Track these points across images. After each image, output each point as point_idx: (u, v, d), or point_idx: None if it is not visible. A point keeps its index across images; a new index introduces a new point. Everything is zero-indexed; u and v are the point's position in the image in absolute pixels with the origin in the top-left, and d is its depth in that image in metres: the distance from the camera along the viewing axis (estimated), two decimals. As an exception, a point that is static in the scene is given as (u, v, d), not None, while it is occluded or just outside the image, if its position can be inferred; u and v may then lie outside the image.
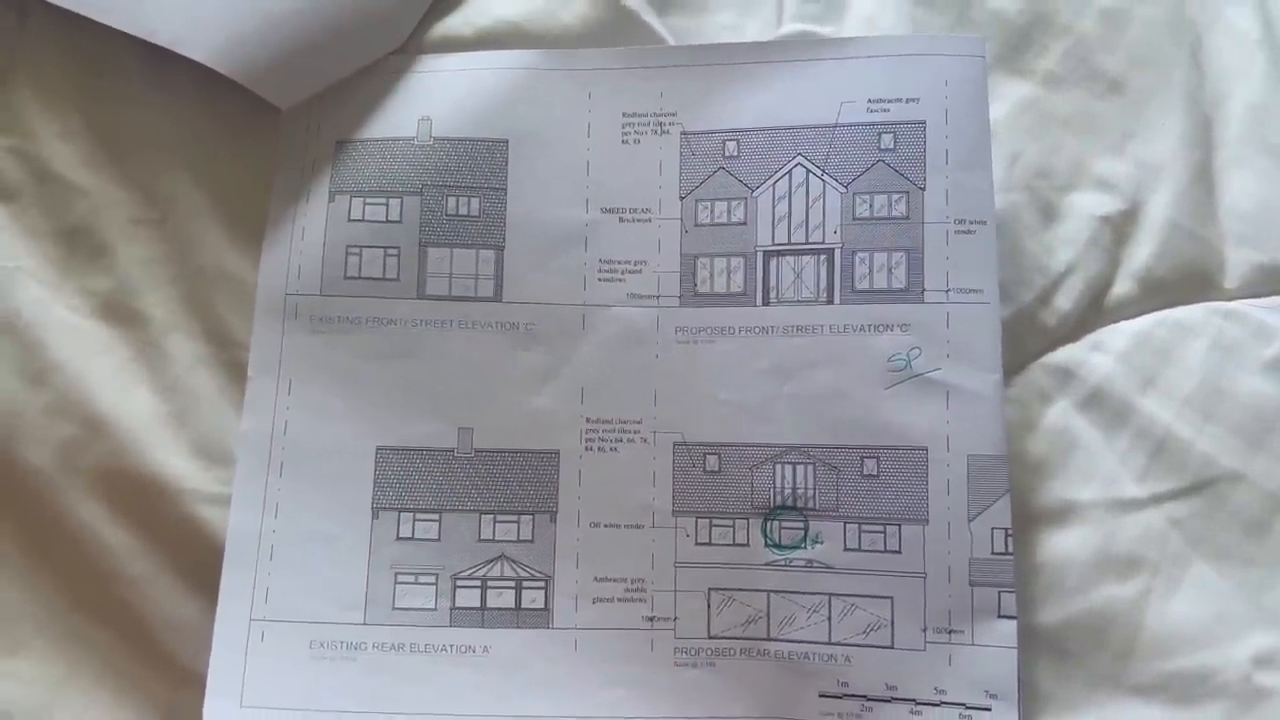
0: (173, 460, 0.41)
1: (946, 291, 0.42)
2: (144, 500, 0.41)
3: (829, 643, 0.40)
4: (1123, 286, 0.45)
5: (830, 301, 0.43)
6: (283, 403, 0.42)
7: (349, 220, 0.44)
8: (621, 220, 0.44)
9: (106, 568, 0.41)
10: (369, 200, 0.44)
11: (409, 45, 0.46)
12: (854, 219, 0.43)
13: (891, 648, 0.40)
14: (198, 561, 0.41)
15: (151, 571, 0.41)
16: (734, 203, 0.44)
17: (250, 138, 0.45)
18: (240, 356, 0.43)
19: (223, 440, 0.42)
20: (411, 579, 0.41)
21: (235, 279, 0.43)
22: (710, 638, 0.41)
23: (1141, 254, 0.45)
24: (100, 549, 0.41)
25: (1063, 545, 0.42)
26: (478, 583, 0.41)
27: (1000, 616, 0.40)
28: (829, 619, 0.41)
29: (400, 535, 0.42)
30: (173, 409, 0.42)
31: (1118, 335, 0.44)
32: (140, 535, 0.41)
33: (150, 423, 0.41)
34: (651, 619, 0.41)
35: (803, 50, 0.45)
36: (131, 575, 0.41)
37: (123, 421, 0.41)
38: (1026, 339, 0.44)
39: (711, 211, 0.44)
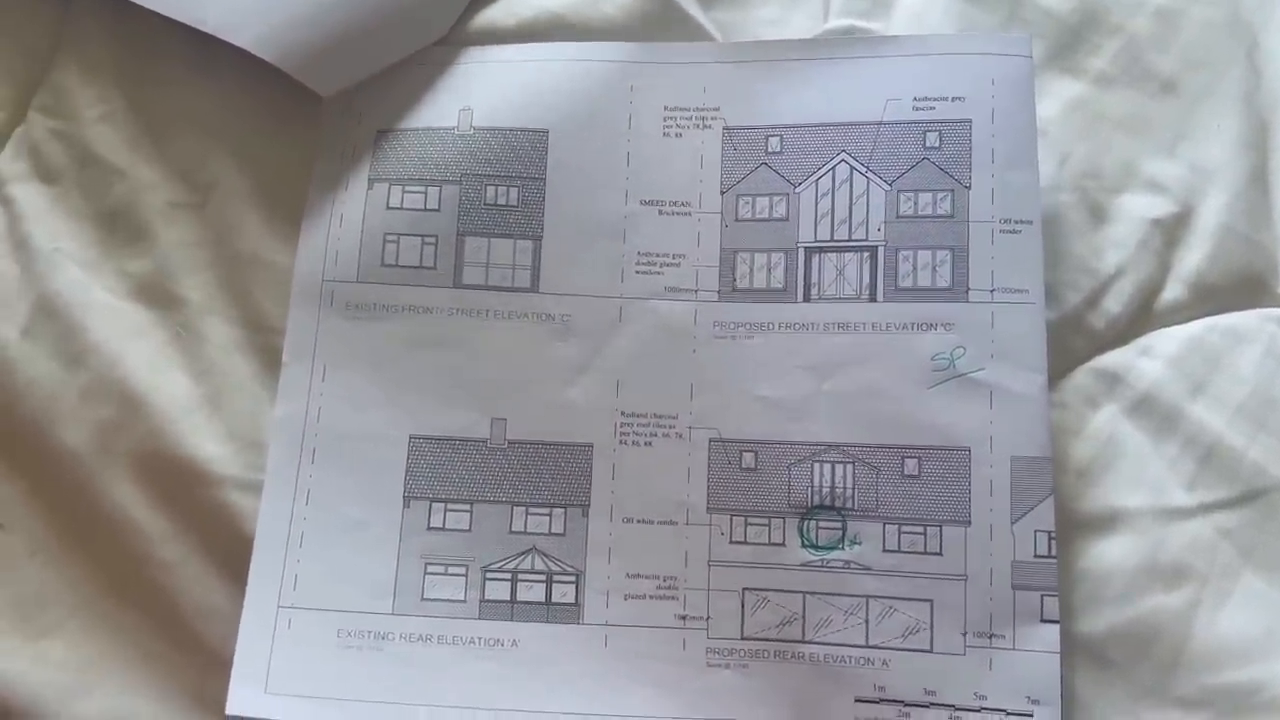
0: (207, 445, 0.41)
1: (991, 291, 0.41)
2: (178, 484, 0.41)
3: (866, 646, 0.40)
4: (1173, 291, 0.44)
5: (873, 299, 0.42)
6: (316, 389, 0.42)
7: (387, 208, 0.44)
8: (661, 213, 0.44)
9: (139, 551, 0.41)
10: (408, 188, 0.44)
11: (451, 36, 0.46)
12: (898, 216, 0.42)
13: (930, 651, 0.39)
14: (229, 547, 0.41)
15: (183, 556, 0.41)
16: (776, 198, 0.43)
17: (292, 125, 0.45)
18: (276, 342, 0.43)
19: (256, 425, 0.42)
20: (441, 569, 0.41)
21: (273, 264, 0.43)
22: (744, 639, 0.40)
23: (1193, 258, 0.44)
24: (134, 532, 0.41)
25: (1108, 553, 0.41)
26: (508, 575, 0.41)
27: (1043, 621, 0.39)
28: (866, 621, 0.40)
29: (431, 525, 0.41)
30: (208, 392, 0.42)
31: (1167, 340, 0.43)
32: (173, 519, 0.41)
33: (186, 406, 0.41)
34: (684, 618, 0.40)
35: (847, 48, 0.44)
36: (163, 559, 0.40)
37: (159, 404, 0.41)
38: (1074, 342, 0.43)
39: (753, 206, 0.44)
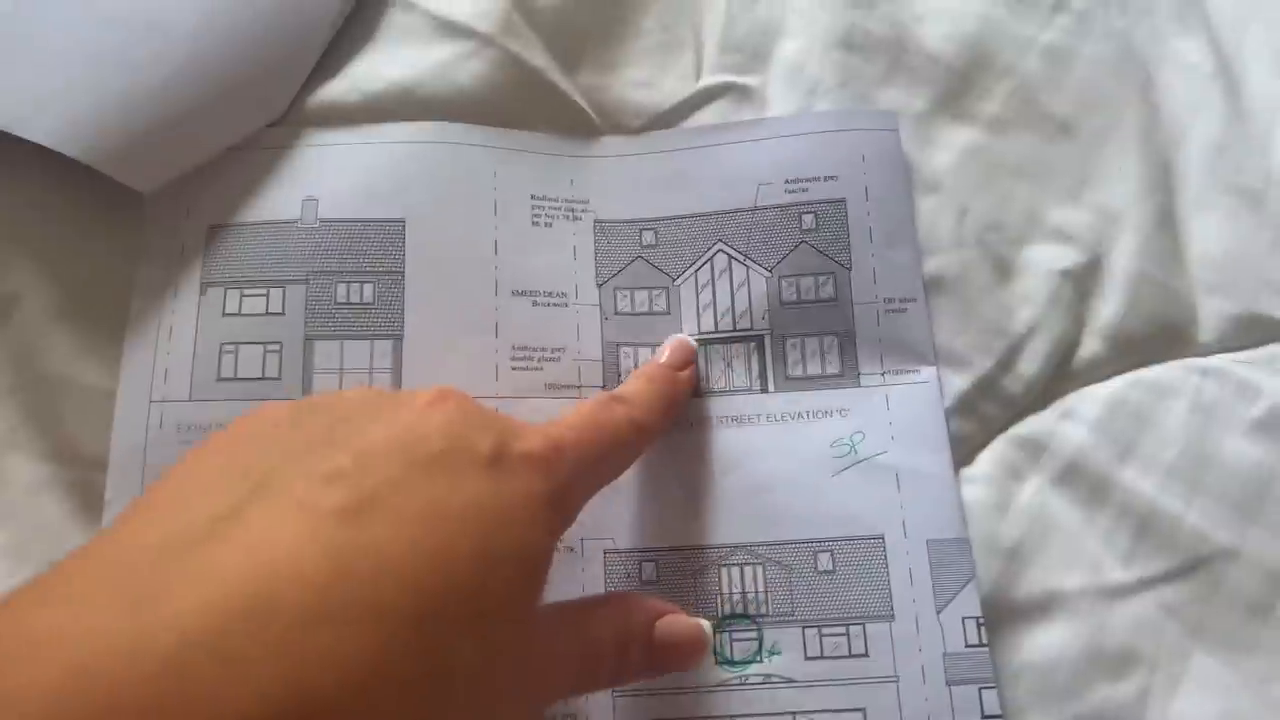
0: None
1: (883, 374, 0.40)
2: None
3: None
4: (1090, 346, 0.41)
5: (765, 390, 0.40)
6: None
7: (224, 314, 0.39)
8: (535, 304, 0.40)
9: None
10: (247, 291, 0.39)
11: (288, 117, 0.42)
12: (781, 304, 0.41)
13: None
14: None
15: None
16: (655, 291, 0.41)
17: (107, 226, 0.40)
18: (93, 478, 0.37)
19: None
20: None
21: (89, 388, 0.38)
22: (658, 779, 0.36)
23: (1108, 309, 0.41)
24: None
25: (1048, 642, 0.37)
26: None
27: (985, 717, 0.35)
28: (795, 743, 0.36)
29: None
30: (9, 540, 0.36)
31: (1089, 401, 0.40)
32: None
33: None
34: (588, 760, 0.36)
35: (715, 135, 0.43)
36: None
37: None
38: (989, 410, 0.40)
39: (632, 300, 0.41)
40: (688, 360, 0.39)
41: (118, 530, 0.24)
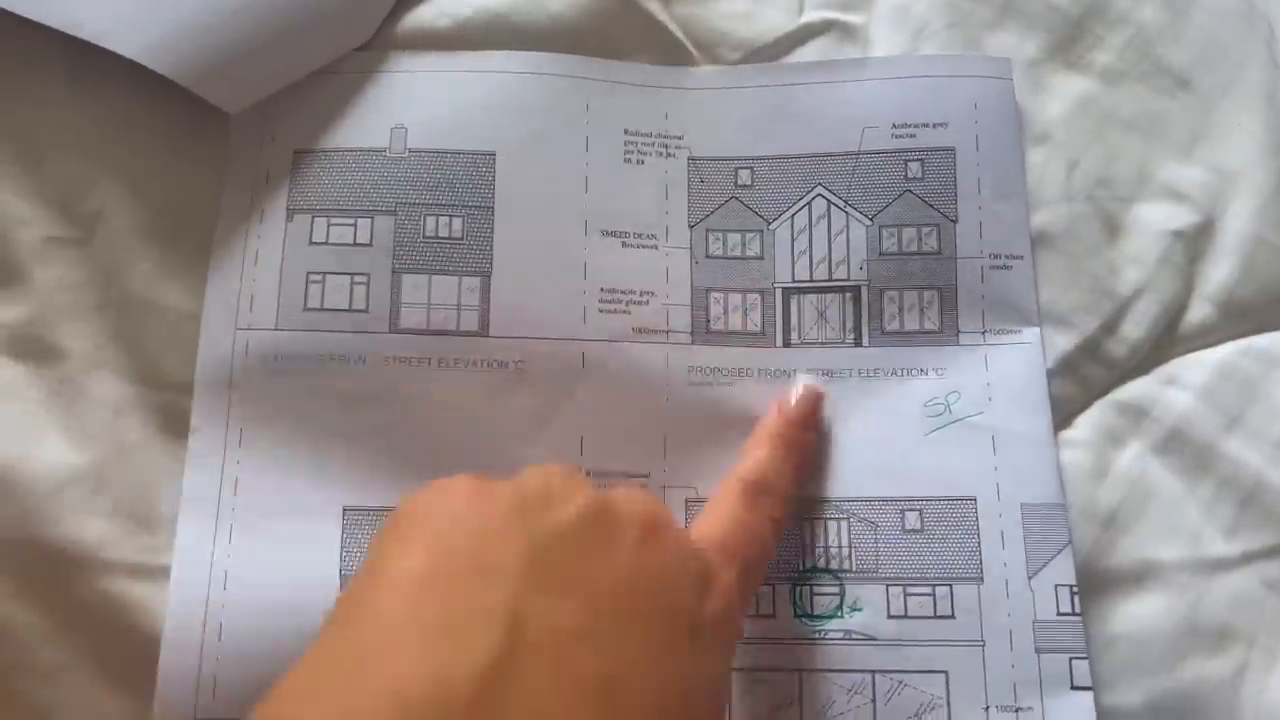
0: (91, 524, 0.35)
1: (983, 333, 0.38)
2: (55, 573, 0.34)
3: None
4: (1200, 311, 0.39)
5: (858, 344, 0.39)
6: (232, 456, 0.36)
7: (310, 243, 0.38)
8: (625, 245, 0.39)
9: (9, 657, 0.34)
10: (334, 220, 0.38)
11: (376, 41, 0.40)
12: (881, 254, 0.39)
13: None
14: (124, 649, 0.34)
15: (65, 661, 0.34)
16: (749, 235, 0.40)
17: (193, 148, 0.39)
18: (177, 401, 0.36)
19: (153, 501, 0.36)
20: (384, 664, 0.35)
21: (172, 310, 0.37)
22: (734, 729, 0.35)
23: (1220, 273, 0.40)
24: (2, 635, 0.34)
25: (1143, 613, 0.36)
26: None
27: (1074, 688, 0.35)
28: (874, 701, 0.35)
29: (371, 612, 0.36)
30: (92, 462, 0.36)
31: (1196, 367, 0.39)
32: (51, 616, 0.34)
33: (64, 479, 0.35)
34: (665, 706, 0.35)
35: (819, 73, 0.41)
36: (41, 665, 0.34)
37: (29, 477, 0.35)
38: (1091, 373, 0.39)
39: (724, 243, 0.40)
40: (815, 412, 0.37)
41: (349, 650, 0.23)
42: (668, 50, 0.42)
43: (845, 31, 0.42)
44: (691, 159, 0.40)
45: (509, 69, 0.40)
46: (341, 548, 0.36)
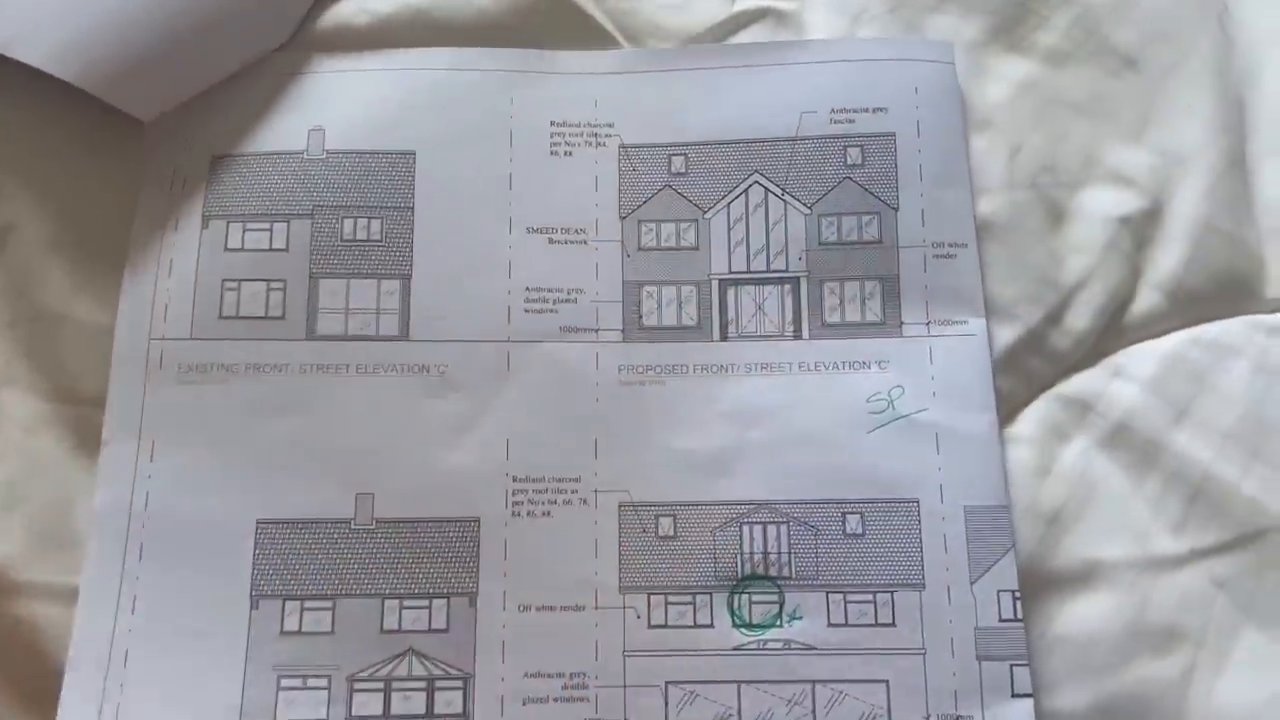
0: (1, 544, 0.34)
1: (927, 324, 0.37)
2: None
3: None
4: (1147, 299, 0.38)
5: (798, 336, 0.38)
6: (144, 470, 0.35)
7: (226, 249, 0.37)
8: (552, 242, 0.38)
9: None
10: (250, 225, 0.38)
11: (295, 41, 0.40)
12: (820, 244, 0.38)
13: None
14: (31, 672, 0.34)
15: None
16: (683, 225, 0.39)
17: (105, 156, 0.38)
18: (90, 415, 0.36)
19: (67, 519, 0.35)
20: (299, 682, 0.34)
21: (85, 323, 0.37)
22: (669, 742, 0.35)
23: (1168, 260, 0.39)
24: None
25: (1088, 613, 0.35)
26: (380, 684, 0.35)
27: (1015, 695, 0.34)
28: (813, 712, 0.34)
29: (285, 629, 0.35)
30: (3, 480, 0.35)
31: (1143, 358, 0.38)
32: None
33: None
34: (596, 721, 0.35)
35: (756, 54, 0.40)
36: None
37: None
38: (1035, 366, 0.38)
39: (658, 234, 0.39)
40: None
41: None
42: (597, 43, 0.41)
43: (780, 19, 0.41)
44: (623, 146, 0.39)
45: (429, 65, 0.39)
46: (253, 564, 0.35)
